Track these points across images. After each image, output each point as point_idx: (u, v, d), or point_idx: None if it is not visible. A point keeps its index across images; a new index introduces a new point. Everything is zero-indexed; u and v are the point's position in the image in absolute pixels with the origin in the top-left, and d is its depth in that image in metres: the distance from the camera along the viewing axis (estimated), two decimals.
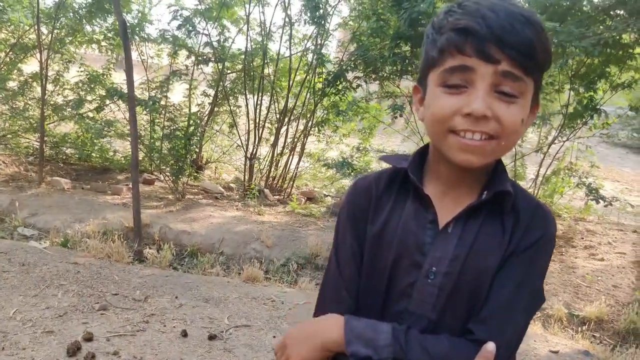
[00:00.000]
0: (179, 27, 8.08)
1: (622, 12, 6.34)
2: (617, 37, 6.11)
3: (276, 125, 8.79)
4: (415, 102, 1.17)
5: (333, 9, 8.31)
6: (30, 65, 8.71)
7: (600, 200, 6.42)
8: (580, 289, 5.70)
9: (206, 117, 8.97)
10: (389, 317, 1.11)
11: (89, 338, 3.35)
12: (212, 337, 3.60)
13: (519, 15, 0.99)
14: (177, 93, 9.19)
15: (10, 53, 8.54)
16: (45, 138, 8.23)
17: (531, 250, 1.07)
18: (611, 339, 4.88)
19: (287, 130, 8.87)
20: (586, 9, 6.56)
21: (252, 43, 8.73)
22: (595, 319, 5.07)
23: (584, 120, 6.96)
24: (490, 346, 1.00)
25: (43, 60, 7.78)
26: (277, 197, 8.61)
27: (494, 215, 1.09)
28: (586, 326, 4.92)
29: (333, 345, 1.08)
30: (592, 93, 6.77)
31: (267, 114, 8.85)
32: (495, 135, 1.02)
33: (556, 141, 7.40)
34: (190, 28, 8.06)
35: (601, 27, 6.18)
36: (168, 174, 7.98)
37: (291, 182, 8.95)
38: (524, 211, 1.09)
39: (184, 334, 3.59)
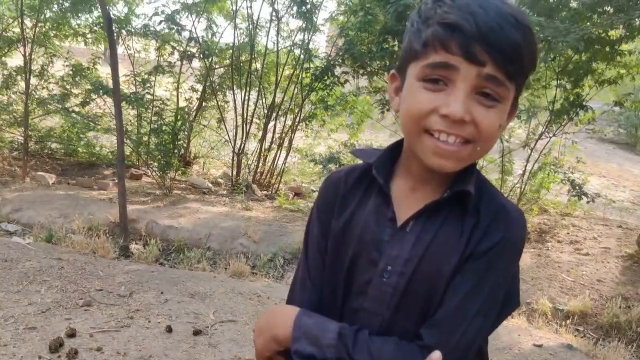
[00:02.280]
0: (159, 24, 8.01)
1: (608, 8, 6.37)
2: (603, 34, 6.13)
3: (264, 120, 8.77)
4: (391, 91, 1.13)
5: (320, 4, 8.29)
6: (14, 59, 8.61)
7: (583, 197, 6.46)
8: (565, 284, 5.74)
9: (194, 112, 8.93)
10: (348, 313, 1.11)
11: (72, 334, 3.32)
12: (197, 333, 3.58)
13: (510, 16, 0.94)
14: (164, 87, 9.14)
15: None
16: (30, 132, 8.16)
17: (489, 254, 1.02)
18: (594, 332, 4.92)
19: (274, 125, 8.86)
20: (573, 5, 6.59)
21: (240, 38, 8.70)
22: (579, 313, 5.11)
23: (570, 116, 7.00)
24: (436, 355, 0.98)
25: (27, 54, 7.69)
26: (264, 192, 8.59)
27: (454, 216, 1.06)
28: (570, 320, 4.95)
29: (284, 339, 1.07)
30: (578, 90, 6.80)
31: (255, 109, 8.83)
32: (471, 140, 0.98)
33: (543, 136, 7.43)
34: (172, 25, 7.98)
35: (588, 23, 6.20)
36: (155, 169, 7.94)
37: (279, 178, 8.93)
38: (485, 213, 1.05)
39: (169, 330, 3.56)
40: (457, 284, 1.02)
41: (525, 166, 7.59)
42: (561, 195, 8.55)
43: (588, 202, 6.54)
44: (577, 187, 6.55)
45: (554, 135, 7.42)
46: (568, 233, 7.33)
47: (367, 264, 1.09)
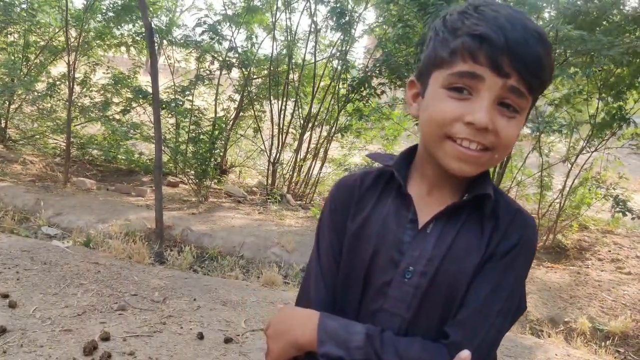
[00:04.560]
0: (202, 34, 8.14)
1: None
2: None
3: (300, 130, 8.81)
4: (409, 97, 1.16)
5: (359, 16, 8.31)
6: (58, 67, 8.84)
7: (627, 213, 6.27)
8: (605, 303, 5.57)
9: (231, 122, 9.03)
10: (365, 314, 1.11)
11: (106, 338, 3.36)
12: (228, 340, 3.59)
13: (534, 31, 0.99)
14: (203, 97, 9.26)
15: (40, 55, 8.69)
16: (72, 139, 8.35)
17: (509, 255, 1.06)
18: (636, 355, 4.74)
19: (310, 135, 8.88)
20: (616, 18, 6.43)
21: (278, 48, 8.78)
22: (620, 333, 4.94)
23: (612, 130, 6.83)
24: (464, 354, 0.99)
25: (71, 63, 7.90)
26: (299, 202, 8.61)
27: (474, 218, 1.09)
28: (610, 341, 4.79)
29: (306, 344, 1.07)
30: (621, 103, 6.64)
31: (291, 119, 8.87)
32: (490, 147, 1.02)
33: (584, 151, 7.26)
34: (213, 35, 8.10)
35: (631, 36, 6.05)
36: (192, 177, 8.04)
37: (313, 188, 8.94)
38: (503, 216, 1.09)
39: (200, 337, 3.58)
40: (479, 284, 1.05)
41: (565, 181, 7.42)
42: (602, 211, 8.33)
43: (633, 219, 6.34)
44: (620, 203, 6.36)
45: (595, 150, 7.24)
46: (609, 251, 7.13)
47: (387, 264, 1.10)
